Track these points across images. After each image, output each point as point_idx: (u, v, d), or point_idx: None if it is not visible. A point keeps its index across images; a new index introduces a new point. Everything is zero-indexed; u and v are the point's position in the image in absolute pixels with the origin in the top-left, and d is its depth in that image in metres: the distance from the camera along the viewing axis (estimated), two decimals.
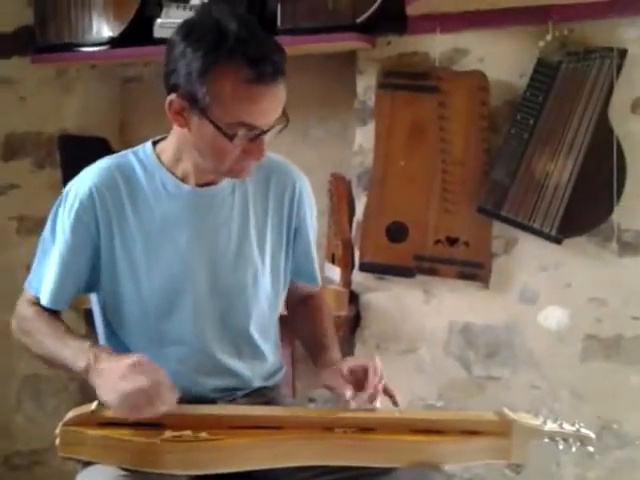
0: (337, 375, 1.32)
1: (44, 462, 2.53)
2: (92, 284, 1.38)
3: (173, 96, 1.24)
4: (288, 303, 1.54)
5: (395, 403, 1.31)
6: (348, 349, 2.13)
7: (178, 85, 1.23)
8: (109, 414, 1.21)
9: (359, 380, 1.30)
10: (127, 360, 1.18)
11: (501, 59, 2.03)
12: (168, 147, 1.37)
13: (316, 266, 1.52)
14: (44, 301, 1.36)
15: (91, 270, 1.36)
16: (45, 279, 1.36)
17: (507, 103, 2.04)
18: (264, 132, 1.24)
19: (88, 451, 1.17)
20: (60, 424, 1.18)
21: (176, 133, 1.34)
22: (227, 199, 1.38)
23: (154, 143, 1.40)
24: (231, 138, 1.22)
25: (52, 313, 1.38)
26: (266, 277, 1.42)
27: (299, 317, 1.55)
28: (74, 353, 1.25)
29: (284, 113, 1.26)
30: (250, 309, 1.40)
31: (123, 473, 1.17)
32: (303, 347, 1.53)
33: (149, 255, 1.34)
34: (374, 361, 1.30)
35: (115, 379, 1.17)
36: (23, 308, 1.39)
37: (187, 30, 1.23)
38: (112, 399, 1.16)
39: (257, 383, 1.45)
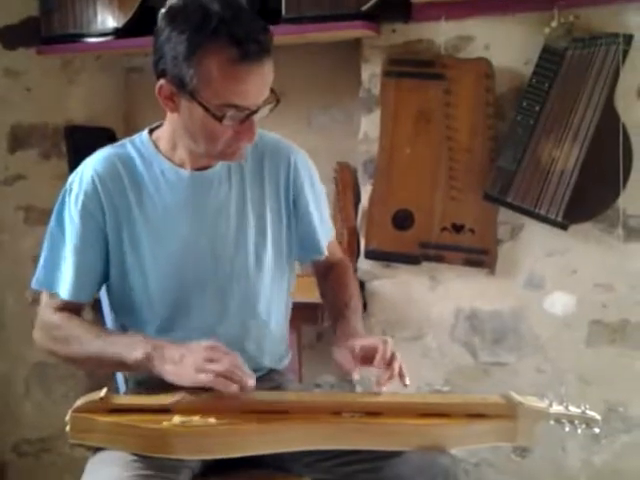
0: (347, 352, 1.30)
1: (52, 449, 2.55)
2: (107, 275, 1.39)
3: (162, 81, 1.25)
4: (315, 273, 1.56)
5: (404, 384, 1.29)
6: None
7: (166, 70, 1.24)
8: (119, 401, 1.23)
9: (370, 360, 1.28)
10: (204, 344, 1.22)
11: (507, 46, 2.02)
12: (164, 134, 1.37)
13: (319, 237, 1.49)
14: (64, 294, 1.35)
15: (104, 259, 1.37)
16: (61, 272, 1.36)
17: (513, 90, 2.03)
18: (253, 112, 1.24)
19: (98, 437, 1.18)
20: (70, 411, 1.19)
21: (170, 119, 1.34)
22: (224, 181, 1.39)
23: (150, 131, 1.40)
24: (220, 119, 1.22)
25: (78, 315, 1.38)
26: (268, 256, 1.42)
27: (322, 287, 1.55)
28: (126, 346, 1.26)
29: (273, 92, 1.26)
30: (254, 289, 1.41)
31: (133, 458, 1.19)
32: (329, 318, 1.52)
33: (153, 243, 1.35)
34: (385, 343, 1.28)
35: (200, 362, 1.19)
36: (48, 316, 1.37)
37: (172, 15, 1.24)
38: (204, 379, 1.18)
39: (266, 363, 1.46)
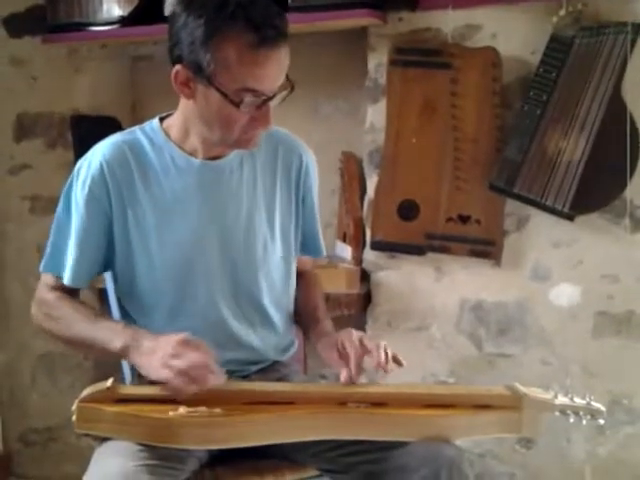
0: (331, 348, 1.32)
1: (59, 439, 2.57)
2: (108, 261, 1.39)
3: (178, 67, 1.25)
4: None
5: (398, 362, 1.29)
6: (359, 327, 2.14)
7: (182, 56, 1.24)
8: (125, 391, 1.23)
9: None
10: (174, 337, 1.21)
11: (514, 35, 2.01)
12: (175, 122, 1.37)
13: (320, 238, 1.53)
14: (66, 280, 1.36)
15: (107, 245, 1.37)
16: (65, 257, 1.37)
17: (520, 79, 2.02)
18: (269, 98, 1.24)
19: (104, 427, 1.19)
20: (76, 401, 1.20)
21: (183, 107, 1.34)
22: (236, 171, 1.39)
23: (161, 120, 1.40)
24: (237, 105, 1.22)
25: (74, 296, 1.39)
26: (276, 248, 1.43)
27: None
28: (108, 334, 1.27)
29: (288, 79, 1.27)
30: (261, 280, 1.41)
31: (139, 448, 1.19)
32: (296, 320, 1.54)
33: (161, 230, 1.35)
34: (355, 348, 1.28)
35: (166, 357, 1.18)
36: (44, 293, 1.39)
37: (188, 1, 1.24)
38: (166, 376, 1.18)
39: (271, 356, 1.46)
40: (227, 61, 1.20)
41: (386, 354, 1.27)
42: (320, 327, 1.43)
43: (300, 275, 1.55)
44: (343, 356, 1.30)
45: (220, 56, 1.20)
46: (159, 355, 1.20)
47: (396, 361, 1.29)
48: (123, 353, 1.26)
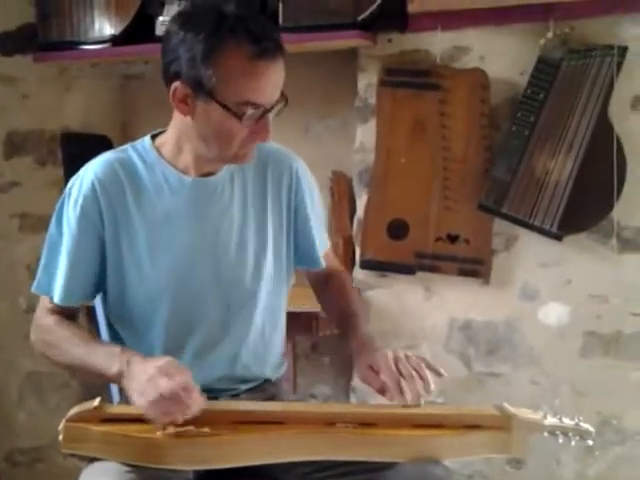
0: (367, 368, 1.31)
1: (46, 459, 2.54)
2: (101, 282, 1.38)
3: (177, 84, 1.25)
4: (313, 283, 1.55)
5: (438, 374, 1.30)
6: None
7: (181, 72, 1.24)
8: (112, 410, 1.23)
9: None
10: (155, 363, 1.18)
11: (502, 57, 2.04)
12: (168, 140, 1.37)
13: (317, 248, 1.49)
14: (56, 299, 1.35)
15: (99, 266, 1.36)
16: (56, 276, 1.36)
17: (508, 101, 2.04)
18: (268, 110, 1.26)
19: (91, 447, 1.18)
20: (63, 420, 1.18)
21: (176, 125, 1.34)
22: (227, 188, 1.39)
23: (153, 137, 1.40)
24: (240, 117, 1.23)
25: (72, 319, 1.38)
26: (268, 263, 1.42)
27: (322, 297, 1.54)
28: (105, 359, 1.25)
29: (282, 93, 1.28)
30: (254, 297, 1.40)
31: (127, 469, 1.18)
32: (335, 326, 1.52)
33: (153, 248, 1.35)
34: (387, 360, 1.29)
35: (143, 383, 1.17)
36: (41, 318, 1.38)
37: (184, 18, 1.26)
38: (142, 404, 1.16)
39: (262, 373, 1.45)
40: (229, 74, 1.21)
41: (421, 377, 1.27)
42: (358, 337, 1.39)
43: (327, 278, 1.53)
44: (378, 380, 1.29)
45: (222, 69, 1.21)
46: (140, 380, 1.18)
47: (434, 371, 1.29)
48: (117, 379, 1.24)
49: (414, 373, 1.28)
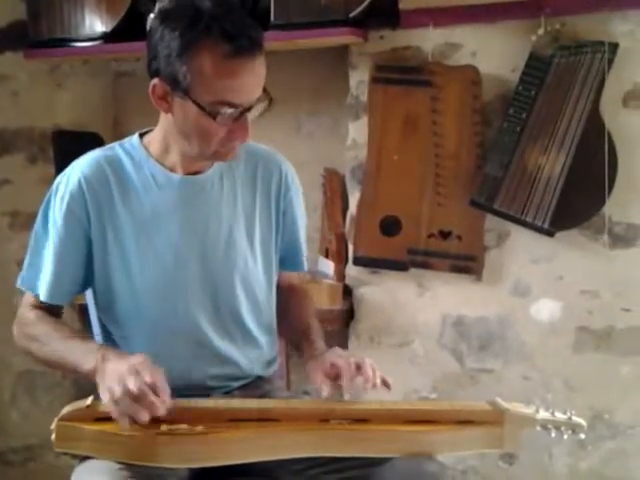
0: (318, 370, 1.30)
1: (38, 458, 2.53)
2: (88, 279, 1.38)
3: (156, 80, 1.25)
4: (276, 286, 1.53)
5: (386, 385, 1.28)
6: (342, 343, 2.14)
7: (159, 69, 1.24)
8: (105, 409, 1.22)
9: (339, 375, 1.27)
10: (127, 361, 1.17)
11: (493, 53, 2.04)
12: (155, 138, 1.37)
13: (303, 253, 1.51)
14: (42, 296, 1.35)
15: (86, 263, 1.36)
16: (42, 273, 1.36)
17: (499, 97, 2.04)
18: (246, 110, 1.25)
19: (84, 446, 1.17)
20: (56, 419, 1.18)
21: (162, 122, 1.34)
22: (216, 186, 1.38)
23: (141, 135, 1.40)
24: (214, 117, 1.22)
25: (55, 315, 1.38)
26: (257, 263, 1.42)
27: (283, 307, 1.52)
28: (83, 354, 1.25)
29: (265, 91, 1.27)
30: (242, 295, 1.40)
31: (119, 467, 1.18)
32: (287, 337, 1.53)
33: (140, 247, 1.35)
34: (349, 365, 1.27)
35: (112, 380, 1.15)
36: (24, 313, 1.38)
37: (164, 15, 1.25)
38: (107, 401, 1.15)
39: (254, 371, 1.45)
40: (202, 73, 1.20)
41: (373, 370, 1.26)
42: (312, 348, 1.39)
43: (290, 290, 1.54)
44: (331, 375, 1.28)
45: (196, 68, 1.21)
46: (111, 377, 1.16)
47: (384, 383, 1.27)
48: (92, 375, 1.22)
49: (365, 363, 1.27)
